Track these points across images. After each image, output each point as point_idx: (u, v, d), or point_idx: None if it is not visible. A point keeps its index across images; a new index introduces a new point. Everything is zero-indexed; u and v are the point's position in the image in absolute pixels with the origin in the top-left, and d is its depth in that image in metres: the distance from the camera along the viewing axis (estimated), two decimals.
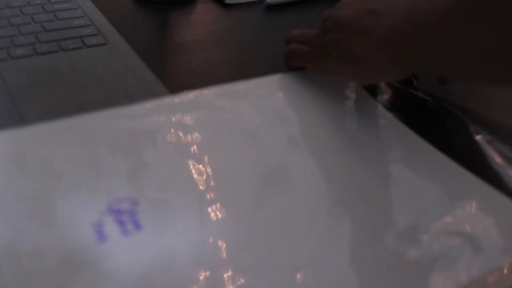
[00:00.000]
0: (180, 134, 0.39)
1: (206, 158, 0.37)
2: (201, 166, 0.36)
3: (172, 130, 0.39)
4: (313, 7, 0.65)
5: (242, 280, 0.29)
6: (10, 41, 0.48)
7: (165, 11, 0.60)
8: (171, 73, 0.49)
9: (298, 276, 0.30)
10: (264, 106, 0.43)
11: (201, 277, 0.29)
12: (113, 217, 0.32)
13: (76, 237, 0.30)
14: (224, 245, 0.31)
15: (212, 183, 0.35)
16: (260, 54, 0.54)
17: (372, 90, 0.47)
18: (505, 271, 0.31)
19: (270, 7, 0.64)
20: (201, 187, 0.35)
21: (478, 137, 0.43)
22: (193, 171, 0.36)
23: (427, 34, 0.35)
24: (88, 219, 0.31)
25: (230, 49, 0.54)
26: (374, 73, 0.40)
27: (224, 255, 0.31)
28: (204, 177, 0.36)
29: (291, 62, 0.47)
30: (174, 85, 0.45)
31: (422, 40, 0.35)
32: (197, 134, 0.39)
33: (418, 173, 0.38)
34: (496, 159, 0.41)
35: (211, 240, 0.32)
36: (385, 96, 0.47)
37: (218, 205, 0.34)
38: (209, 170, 0.36)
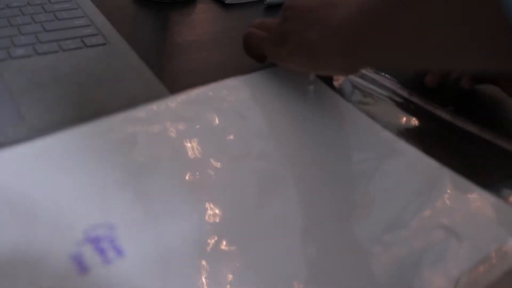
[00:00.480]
0: (153, 146, 0.38)
1: (180, 169, 0.36)
2: (182, 176, 0.35)
3: (146, 142, 0.38)
4: None
5: None
6: (10, 41, 0.48)
7: (165, 11, 0.60)
8: (171, 73, 0.49)
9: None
10: (226, 108, 0.42)
11: None
12: (92, 246, 0.30)
13: (56, 271, 0.28)
14: (221, 269, 0.30)
15: (194, 194, 0.34)
16: None
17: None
18: (494, 260, 0.32)
19: (270, 7, 0.64)
20: (181, 201, 0.34)
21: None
22: (172, 183, 0.35)
23: (374, 24, 0.35)
24: (67, 251, 0.29)
25: (230, 49, 0.54)
26: (326, 62, 0.40)
27: (222, 279, 0.29)
28: (185, 189, 0.34)
29: (249, 46, 0.49)
30: (174, 85, 0.45)
31: (371, 30, 0.35)
32: (170, 146, 0.38)
33: (390, 168, 0.38)
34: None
35: (204, 263, 0.30)
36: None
37: (205, 217, 0.33)
38: (195, 179, 0.35)
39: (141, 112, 0.40)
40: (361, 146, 0.41)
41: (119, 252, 0.30)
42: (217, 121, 0.41)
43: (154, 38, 0.55)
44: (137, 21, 0.58)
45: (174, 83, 0.46)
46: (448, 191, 0.36)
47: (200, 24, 0.59)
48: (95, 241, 0.30)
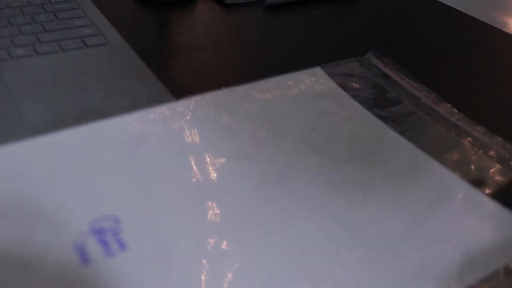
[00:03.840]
0: (160, 146, 0.38)
1: (195, 168, 0.36)
2: (192, 176, 0.36)
3: (153, 142, 0.38)
4: (313, 7, 0.65)
5: None
6: (10, 41, 0.48)
7: (165, 11, 0.60)
8: (171, 73, 0.49)
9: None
10: (238, 112, 0.43)
11: None
12: (96, 238, 0.30)
13: (58, 261, 0.29)
14: (225, 268, 0.30)
15: (204, 193, 0.35)
16: (260, 54, 0.54)
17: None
18: (501, 277, 0.31)
19: (270, 7, 0.64)
20: (190, 198, 0.34)
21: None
22: (181, 182, 0.35)
23: None
24: (70, 241, 0.30)
25: (230, 49, 0.54)
26: None
27: (225, 280, 0.30)
28: (194, 188, 0.35)
29: None
30: (174, 85, 0.45)
31: None
32: (177, 145, 0.38)
33: (397, 175, 0.38)
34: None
35: (204, 262, 0.30)
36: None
37: (212, 214, 0.33)
38: (199, 179, 0.35)
39: (149, 113, 0.41)
40: (372, 149, 0.40)
41: (122, 245, 0.30)
42: (224, 121, 0.41)
43: (154, 38, 0.55)
44: (137, 21, 0.58)
45: (174, 83, 0.46)
46: (458, 201, 0.36)
47: (200, 24, 0.59)
48: (99, 233, 0.31)
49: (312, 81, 0.47)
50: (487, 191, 0.37)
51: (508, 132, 0.45)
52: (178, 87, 0.45)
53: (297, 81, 0.47)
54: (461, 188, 0.37)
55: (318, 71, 0.48)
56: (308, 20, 0.61)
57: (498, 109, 0.49)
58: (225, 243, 0.31)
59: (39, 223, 0.31)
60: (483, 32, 0.63)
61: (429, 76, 0.53)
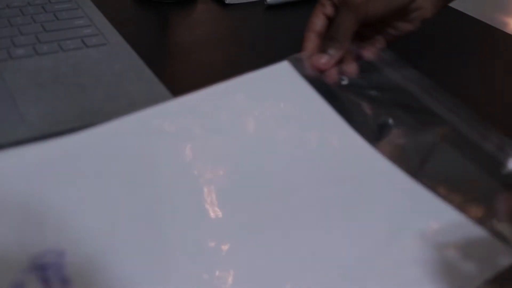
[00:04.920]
0: (156, 149, 0.36)
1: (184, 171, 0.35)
2: (186, 178, 0.35)
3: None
4: (313, 7, 0.65)
5: None
6: (10, 41, 0.48)
7: (165, 11, 0.60)
8: (171, 73, 0.49)
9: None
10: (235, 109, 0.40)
11: None
12: (36, 275, 0.28)
13: None
14: None
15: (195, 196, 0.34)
16: (260, 54, 0.54)
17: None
18: None
19: (270, 7, 0.64)
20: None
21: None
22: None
23: None
24: (9, 280, 0.27)
25: (230, 49, 0.54)
26: None
27: None
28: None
29: None
30: (174, 85, 0.45)
31: None
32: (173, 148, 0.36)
33: (378, 192, 0.36)
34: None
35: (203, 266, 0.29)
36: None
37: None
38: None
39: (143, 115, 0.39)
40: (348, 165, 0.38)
41: (64, 281, 0.28)
42: (225, 122, 0.40)
43: (154, 38, 0.55)
44: (137, 21, 0.58)
45: (174, 83, 0.46)
46: (435, 221, 0.34)
47: (200, 24, 0.59)
48: (41, 270, 0.28)
49: (277, 79, 0.43)
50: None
51: (508, 132, 0.45)
52: (178, 87, 0.45)
53: (259, 80, 0.43)
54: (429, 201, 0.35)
55: (284, 66, 0.44)
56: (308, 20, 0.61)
57: (498, 109, 0.49)
58: (224, 245, 0.31)
59: None
60: (483, 32, 0.63)
61: (428, 76, 0.53)
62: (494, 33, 0.63)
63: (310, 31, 0.46)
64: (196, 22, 0.60)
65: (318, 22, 0.46)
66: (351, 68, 0.45)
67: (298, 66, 0.44)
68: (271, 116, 0.40)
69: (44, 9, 0.54)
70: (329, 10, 0.46)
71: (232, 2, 0.63)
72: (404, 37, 0.48)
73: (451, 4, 0.68)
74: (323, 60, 0.44)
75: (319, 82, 0.43)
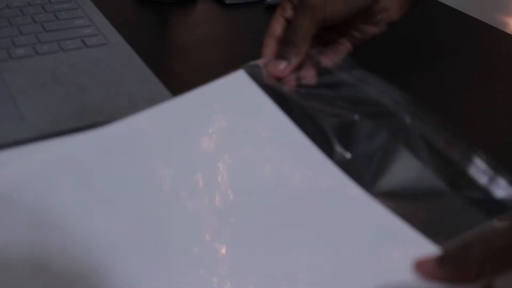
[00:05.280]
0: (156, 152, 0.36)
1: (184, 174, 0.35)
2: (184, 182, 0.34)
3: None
4: None
5: None
6: (10, 41, 0.48)
7: (165, 11, 0.60)
8: (171, 73, 0.49)
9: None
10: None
11: None
12: None
13: None
14: None
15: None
16: (260, 54, 0.54)
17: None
18: None
19: (270, 7, 0.64)
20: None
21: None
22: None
23: None
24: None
25: (230, 49, 0.54)
26: None
27: None
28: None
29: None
30: (174, 85, 0.45)
31: None
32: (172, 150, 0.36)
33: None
34: None
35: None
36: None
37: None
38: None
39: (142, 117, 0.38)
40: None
41: None
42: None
43: (154, 38, 0.55)
44: (137, 21, 0.58)
45: (174, 83, 0.46)
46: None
47: (200, 24, 0.59)
48: None
49: (233, 89, 0.41)
50: None
51: (508, 132, 0.45)
52: (178, 87, 0.45)
53: (214, 92, 0.41)
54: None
55: (240, 75, 0.42)
56: None
57: (498, 108, 0.49)
58: (222, 249, 0.31)
59: None
60: (483, 32, 0.63)
61: (428, 75, 0.53)
62: (494, 33, 0.63)
63: (269, 36, 0.44)
64: (196, 22, 0.60)
65: (278, 26, 0.44)
66: (309, 74, 0.42)
67: (254, 73, 0.42)
68: (226, 130, 0.38)
69: (44, 9, 0.54)
70: (289, 13, 0.44)
71: (232, 2, 0.63)
72: (370, 41, 0.46)
73: (451, 4, 0.68)
74: (281, 67, 0.42)
75: (276, 90, 0.41)
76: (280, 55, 0.42)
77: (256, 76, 0.41)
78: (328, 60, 0.44)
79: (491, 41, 0.62)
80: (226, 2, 0.63)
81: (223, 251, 0.31)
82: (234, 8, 0.63)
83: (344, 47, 0.46)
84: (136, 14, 0.59)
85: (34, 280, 0.28)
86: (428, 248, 0.30)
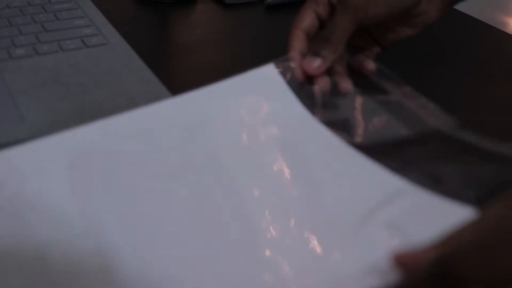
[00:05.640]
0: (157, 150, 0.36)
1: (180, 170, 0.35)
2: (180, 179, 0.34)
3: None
4: None
5: None
6: (10, 41, 0.48)
7: (165, 11, 0.60)
8: (171, 73, 0.49)
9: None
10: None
11: None
12: None
13: None
14: None
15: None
16: (260, 54, 0.54)
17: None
18: None
19: (270, 7, 0.64)
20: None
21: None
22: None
23: None
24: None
25: (230, 49, 0.54)
26: None
27: None
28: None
29: None
30: (174, 85, 0.45)
31: None
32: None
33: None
34: None
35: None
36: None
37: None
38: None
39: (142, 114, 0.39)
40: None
41: None
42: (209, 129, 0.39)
43: (154, 38, 0.55)
44: (137, 21, 0.58)
45: (174, 83, 0.46)
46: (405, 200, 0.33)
47: (200, 24, 0.59)
48: None
49: (261, 84, 0.41)
50: None
51: (508, 131, 0.45)
52: (178, 87, 0.45)
53: (242, 85, 0.41)
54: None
55: (270, 70, 0.41)
56: None
57: (498, 108, 0.49)
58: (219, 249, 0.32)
59: None
60: (483, 32, 0.63)
61: (428, 75, 0.53)
62: (494, 33, 0.63)
63: (298, 28, 0.42)
64: (196, 22, 0.60)
65: (308, 20, 0.42)
66: (346, 85, 0.41)
67: (285, 69, 0.41)
68: (255, 123, 0.38)
69: (44, 9, 0.54)
70: (322, 9, 0.42)
71: (232, 2, 0.63)
72: (401, 42, 0.46)
73: None
74: (315, 64, 0.39)
75: (305, 90, 0.40)
76: (314, 52, 0.40)
77: (286, 72, 0.40)
78: (359, 64, 0.43)
79: (491, 41, 0.62)
80: (226, 2, 0.63)
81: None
82: (234, 8, 0.63)
83: (374, 48, 0.45)
84: (136, 14, 0.59)
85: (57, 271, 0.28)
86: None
